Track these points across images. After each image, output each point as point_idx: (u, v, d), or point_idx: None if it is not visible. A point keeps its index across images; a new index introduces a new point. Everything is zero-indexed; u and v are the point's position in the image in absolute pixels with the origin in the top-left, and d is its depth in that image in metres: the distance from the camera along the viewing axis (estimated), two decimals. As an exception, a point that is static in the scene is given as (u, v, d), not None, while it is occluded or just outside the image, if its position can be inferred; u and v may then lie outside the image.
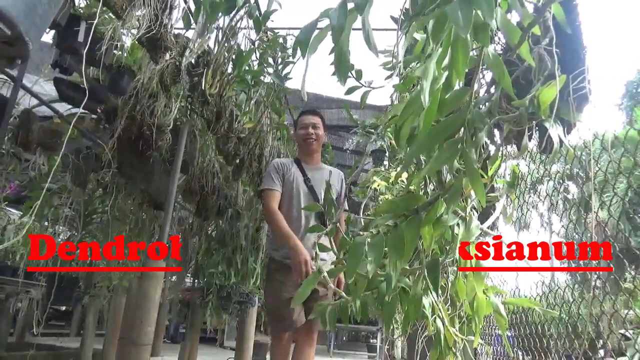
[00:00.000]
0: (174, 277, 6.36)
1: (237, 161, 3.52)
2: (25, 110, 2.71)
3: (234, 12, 2.78)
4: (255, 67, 3.38)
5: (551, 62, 0.85)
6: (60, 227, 4.14)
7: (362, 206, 2.15)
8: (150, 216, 3.93)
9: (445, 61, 0.70)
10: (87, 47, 1.97)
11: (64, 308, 8.37)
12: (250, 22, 2.98)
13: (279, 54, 3.34)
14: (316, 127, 2.78)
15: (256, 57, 3.35)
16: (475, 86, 0.84)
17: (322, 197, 2.60)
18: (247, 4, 2.80)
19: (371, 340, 10.66)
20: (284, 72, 3.35)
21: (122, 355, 2.56)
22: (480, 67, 0.85)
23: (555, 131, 0.85)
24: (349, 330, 11.21)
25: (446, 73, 0.73)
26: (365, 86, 1.90)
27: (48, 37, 2.63)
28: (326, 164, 3.32)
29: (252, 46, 3.18)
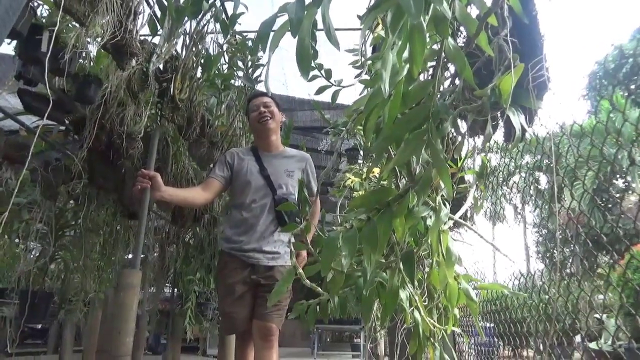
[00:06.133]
0: (152, 288, 6.28)
1: (211, 166, 3.49)
2: (-11, 124, 2.64)
3: (200, 16, 2.76)
4: (225, 71, 3.37)
5: (509, 52, 0.88)
6: (32, 243, 4.03)
7: (338, 205, 2.17)
8: (125, 226, 3.87)
9: (406, 53, 0.72)
10: (50, 56, 1.94)
11: (39, 326, 8.15)
12: (218, 25, 2.97)
13: (249, 57, 3.33)
14: (268, 105, 2.62)
15: (225, 60, 3.34)
16: (439, 78, 0.86)
17: (285, 188, 2.58)
18: (213, 8, 2.79)
19: (355, 340, 10.69)
20: (255, 75, 3.35)
21: (101, 368, 2.51)
22: (443, 60, 0.87)
23: (516, 119, 0.88)
24: (333, 331, 11.23)
25: (408, 66, 0.74)
26: (335, 85, 1.92)
27: (10, 49, 2.56)
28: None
29: (221, 50, 3.16)
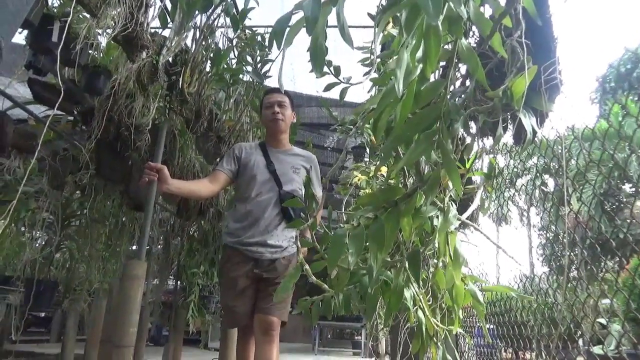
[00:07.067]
0: (156, 280, 6.31)
1: (218, 160, 3.50)
2: (-1, 113, 2.65)
3: (210, 10, 2.76)
4: (234, 66, 3.37)
5: (522, 54, 0.88)
6: (38, 232, 4.06)
7: (344, 202, 2.16)
8: (131, 218, 3.89)
9: (419, 53, 0.71)
10: (61, 46, 1.94)
11: (43, 314, 8.21)
12: (228, 20, 2.97)
13: (258, 52, 3.33)
14: (282, 105, 2.66)
15: (234, 55, 3.34)
16: (451, 78, 0.86)
17: (290, 184, 2.59)
18: (224, 2, 2.78)
19: (356, 337, 10.70)
20: (263, 70, 3.34)
21: (104, 358, 2.53)
22: (455, 60, 0.87)
23: (528, 121, 0.87)
24: (334, 328, 11.25)
25: (420, 65, 0.74)
26: (343, 82, 1.92)
27: (20, 38, 2.58)
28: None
29: (230, 44, 3.16)
